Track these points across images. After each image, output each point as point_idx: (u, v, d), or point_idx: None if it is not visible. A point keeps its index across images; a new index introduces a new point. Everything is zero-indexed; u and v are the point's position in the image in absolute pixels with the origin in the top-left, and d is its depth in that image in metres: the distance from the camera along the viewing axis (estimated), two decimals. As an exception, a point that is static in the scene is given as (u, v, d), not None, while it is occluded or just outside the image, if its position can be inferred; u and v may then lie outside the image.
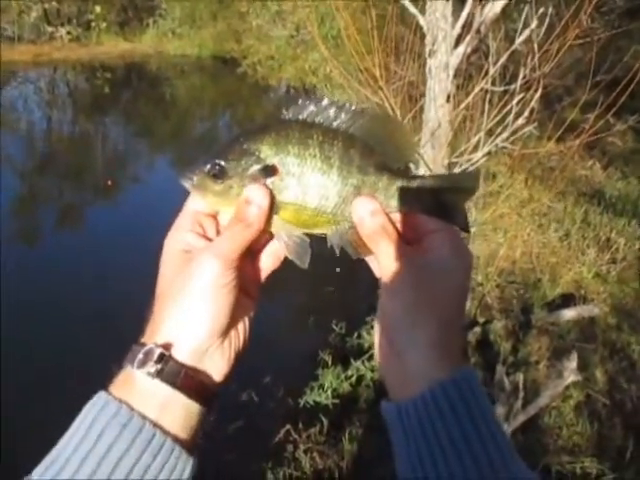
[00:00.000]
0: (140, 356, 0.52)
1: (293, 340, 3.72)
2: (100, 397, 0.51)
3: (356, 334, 3.61)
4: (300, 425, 2.92)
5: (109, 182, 6.70)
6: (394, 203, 0.58)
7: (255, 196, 0.55)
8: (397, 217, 0.58)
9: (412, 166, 0.64)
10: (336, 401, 3.09)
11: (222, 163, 0.56)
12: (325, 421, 2.94)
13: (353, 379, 3.23)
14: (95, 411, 0.50)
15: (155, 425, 0.50)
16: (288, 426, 2.92)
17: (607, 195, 5.81)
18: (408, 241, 0.57)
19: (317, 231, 0.59)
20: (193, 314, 0.54)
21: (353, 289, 4.37)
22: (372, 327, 3.62)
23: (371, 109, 0.61)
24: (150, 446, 0.49)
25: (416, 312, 0.53)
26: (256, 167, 0.56)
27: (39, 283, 4.33)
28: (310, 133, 0.57)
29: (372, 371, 3.24)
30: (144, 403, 0.51)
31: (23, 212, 6.19)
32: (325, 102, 0.57)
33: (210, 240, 0.58)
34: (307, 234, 0.59)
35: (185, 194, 0.60)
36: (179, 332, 0.54)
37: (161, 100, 12.58)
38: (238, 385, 3.05)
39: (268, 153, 0.56)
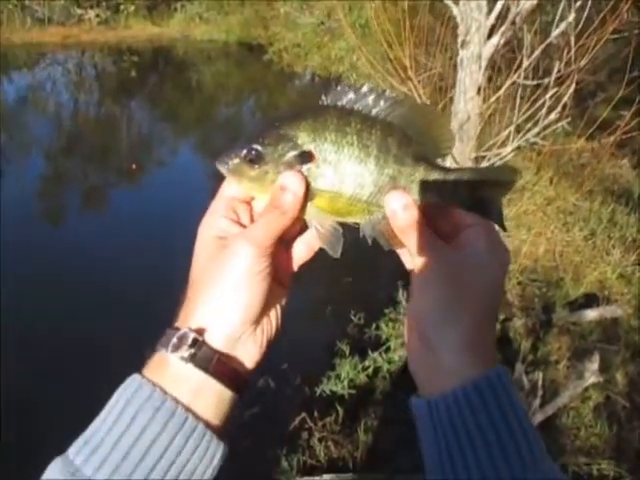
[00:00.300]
0: (174, 340, 0.52)
1: (311, 329, 3.72)
2: (134, 379, 0.51)
3: (374, 325, 3.60)
4: (316, 414, 2.93)
5: (133, 166, 6.75)
6: (430, 195, 0.57)
7: (290, 183, 0.55)
8: (432, 210, 0.57)
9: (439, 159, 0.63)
10: (352, 391, 3.09)
11: (258, 148, 0.55)
12: (341, 411, 2.94)
13: (370, 370, 3.23)
14: (129, 393, 0.50)
15: (187, 409, 0.50)
16: (304, 414, 2.93)
17: (635, 195, 5.68)
18: (443, 235, 0.56)
19: (350, 220, 0.58)
20: (227, 301, 0.53)
21: (373, 280, 4.36)
22: (390, 319, 3.61)
23: (411, 98, 0.60)
24: (182, 430, 0.49)
25: (448, 309, 0.52)
26: (292, 153, 0.55)
27: (62, 263, 4.40)
28: (348, 120, 0.56)
29: (389, 363, 3.24)
30: (177, 387, 0.51)
31: (49, 193, 6.28)
32: (364, 89, 0.56)
33: (244, 227, 0.57)
34: (340, 223, 0.58)
35: (214, 179, 0.60)
36: (213, 318, 0.54)
37: (187, 85, 12.61)
38: (255, 371, 3.07)
39: (305, 139, 0.56)
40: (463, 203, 0.57)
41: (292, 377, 3.21)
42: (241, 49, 15.53)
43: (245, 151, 0.56)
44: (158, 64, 14.76)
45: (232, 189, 0.59)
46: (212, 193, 0.60)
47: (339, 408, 2.96)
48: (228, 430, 0.55)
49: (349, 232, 0.59)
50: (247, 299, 0.54)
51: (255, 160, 0.55)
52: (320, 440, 2.82)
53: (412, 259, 0.55)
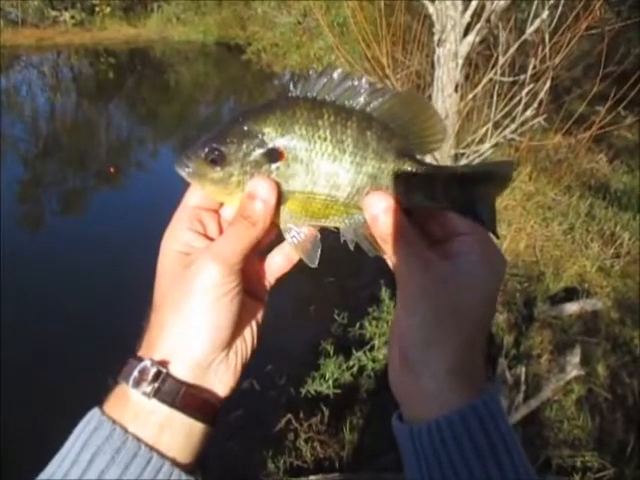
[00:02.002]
0: (135, 373, 0.47)
1: (295, 329, 3.72)
2: (93, 416, 0.47)
3: (358, 324, 3.60)
4: (301, 414, 2.92)
5: (112, 169, 6.67)
6: (416, 197, 0.51)
7: (260, 189, 0.49)
8: (419, 212, 0.51)
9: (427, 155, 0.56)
10: (337, 391, 3.08)
11: (220, 147, 0.50)
12: (326, 411, 2.94)
13: (355, 369, 3.22)
14: (87, 432, 0.46)
15: (152, 448, 0.46)
16: (289, 415, 2.92)
17: (612, 189, 5.76)
18: (432, 241, 0.51)
19: (329, 224, 0.52)
20: (192, 326, 0.49)
21: (356, 279, 4.36)
22: (374, 318, 3.61)
23: (391, 87, 0.55)
24: (145, 471, 0.45)
25: (435, 329, 0.47)
26: (259, 151, 0.50)
27: (40, 268, 4.33)
28: (320, 112, 0.50)
29: (374, 362, 3.24)
30: (140, 424, 0.47)
31: (25, 197, 6.17)
32: (337, 76, 0.50)
33: (212, 239, 0.52)
34: (318, 228, 0.53)
35: (185, 184, 0.54)
36: (178, 346, 0.49)
37: (165, 86, 12.51)
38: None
39: (272, 135, 0.50)
40: (454, 205, 0.51)
41: (277, 378, 3.19)
42: (219, 49, 15.45)
43: (206, 150, 0.50)
44: (135, 65, 14.62)
45: (196, 197, 0.53)
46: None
47: (324, 408, 2.95)
48: (200, 461, 0.51)
49: (329, 231, 0.54)
50: (215, 323, 0.49)
51: (217, 161, 0.50)
52: (306, 441, 2.81)
53: (396, 270, 0.50)
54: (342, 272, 4.21)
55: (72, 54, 14.57)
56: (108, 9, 16.36)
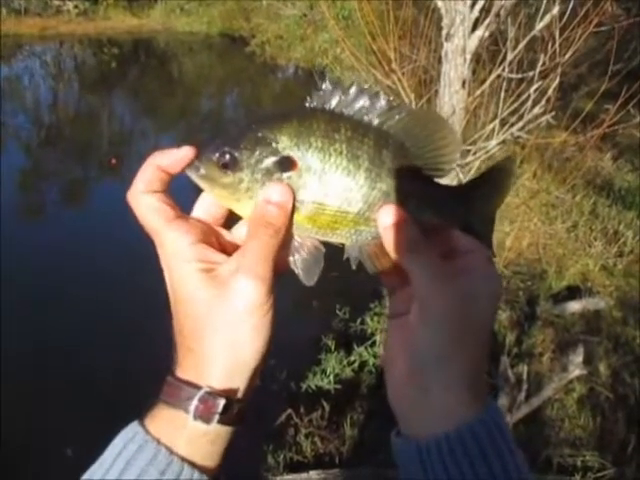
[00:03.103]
0: (196, 403, 0.47)
1: (296, 324, 3.71)
2: (136, 435, 0.47)
3: (360, 320, 3.59)
4: (302, 409, 2.92)
5: (113, 161, 6.64)
6: (428, 215, 0.51)
7: (278, 195, 0.49)
8: (429, 230, 0.51)
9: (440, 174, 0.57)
10: (338, 386, 3.08)
11: (233, 151, 0.49)
12: (327, 406, 2.94)
13: (356, 365, 3.22)
14: (130, 452, 0.46)
15: (194, 466, 0.47)
16: (290, 410, 2.92)
17: (616, 187, 5.74)
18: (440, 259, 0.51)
19: (335, 239, 0.52)
20: (244, 350, 0.49)
21: (358, 274, 4.35)
22: (375, 313, 3.60)
23: (408, 105, 0.54)
24: None
25: (454, 345, 0.47)
26: (271, 159, 0.49)
27: (40, 259, 4.32)
28: (338, 126, 0.50)
29: (375, 357, 3.23)
30: (195, 447, 0.47)
31: (25, 187, 6.16)
32: (355, 90, 0.50)
33: (223, 248, 0.51)
34: (322, 242, 0.52)
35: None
36: (234, 372, 0.49)
37: (168, 77, 12.47)
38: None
39: (287, 144, 0.49)
40: (460, 223, 0.52)
41: (278, 373, 3.19)
42: (223, 41, 15.39)
43: (218, 154, 0.50)
44: (139, 56, 14.57)
45: (203, 206, 0.53)
46: (194, 190, 0.53)
47: (325, 403, 2.95)
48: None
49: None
50: (263, 339, 0.49)
51: (229, 165, 0.49)
52: (306, 436, 2.81)
53: (413, 285, 0.49)
54: (344, 267, 4.19)
55: (75, 44, 14.52)
56: (112, -1, 16.30)
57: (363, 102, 0.50)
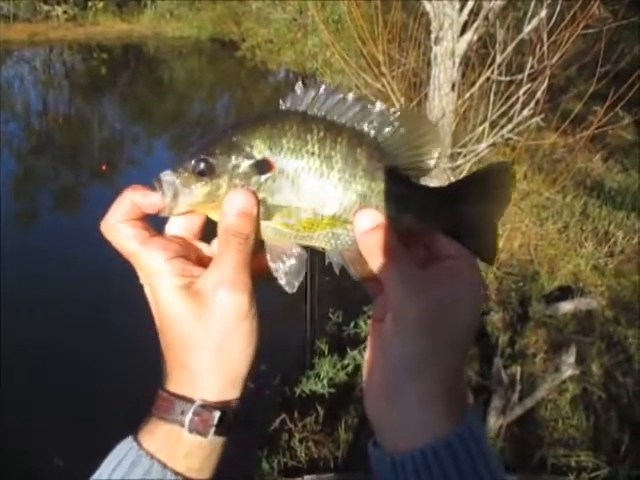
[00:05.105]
0: (190, 416, 0.47)
1: (289, 328, 3.70)
2: (130, 450, 0.47)
3: (353, 323, 3.59)
4: (296, 414, 2.90)
5: (104, 167, 6.61)
6: (406, 218, 0.50)
7: (236, 202, 0.48)
8: (407, 233, 0.50)
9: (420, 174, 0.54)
10: (332, 390, 3.07)
11: (209, 158, 0.49)
12: (321, 410, 2.92)
13: (349, 368, 3.21)
14: (124, 468, 0.46)
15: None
16: (283, 415, 2.91)
17: (606, 188, 5.78)
18: (418, 264, 0.49)
19: (314, 243, 0.51)
20: (234, 359, 0.49)
21: (350, 277, 4.35)
22: (369, 317, 3.60)
23: (384, 103, 0.53)
24: None
25: (428, 356, 0.46)
26: (247, 163, 0.49)
27: (30, 264, 4.29)
28: (310, 127, 0.49)
29: (369, 361, 3.23)
30: (192, 459, 0.48)
31: (15, 193, 6.12)
32: (326, 89, 0.49)
33: (197, 261, 0.51)
34: (305, 247, 0.51)
35: None
36: (226, 384, 0.49)
37: (158, 82, 12.44)
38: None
39: (260, 147, 0.49)
40: (445, 227, 0.50)
41: (271, 378, 3.17)
42: (213, 45, 15.38)
43: (194, 162, 0.49)
44: (129, 61, 14.53)
45: (176, 224, 0.52)
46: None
47: (319, 408, 2.94)
48: None
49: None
50: (253, 346, 0.50)
51: (206, 172, 0.48)
52: (301, 441, 2.79)
53: (386, 294, 0.48)
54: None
55: (65, 49, 14.47)
56: (101, 4, 16.27)
57: (336, 101, 0.49)
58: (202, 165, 0.49)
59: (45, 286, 4.03)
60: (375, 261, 0.48)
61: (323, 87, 0.49)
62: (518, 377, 2.87)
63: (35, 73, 12.58)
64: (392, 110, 0.50)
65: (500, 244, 4.34)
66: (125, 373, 2.92)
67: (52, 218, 5.61)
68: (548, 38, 2.31)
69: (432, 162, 0.51)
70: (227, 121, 9.51)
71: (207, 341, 0.48)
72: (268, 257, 0.51)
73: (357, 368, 3.23)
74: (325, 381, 3.11)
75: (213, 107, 11.68)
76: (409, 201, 0.50)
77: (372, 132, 0.50)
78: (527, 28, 2.34)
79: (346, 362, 3.23)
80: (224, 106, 11.74)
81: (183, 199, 0.49)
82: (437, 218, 0.51)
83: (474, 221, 0.52)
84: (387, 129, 0.50)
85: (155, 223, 0.52)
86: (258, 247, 0.51)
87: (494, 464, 0.45)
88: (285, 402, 3.04)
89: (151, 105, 10.68)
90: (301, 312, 3.79)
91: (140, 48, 15.39)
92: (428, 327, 0.46)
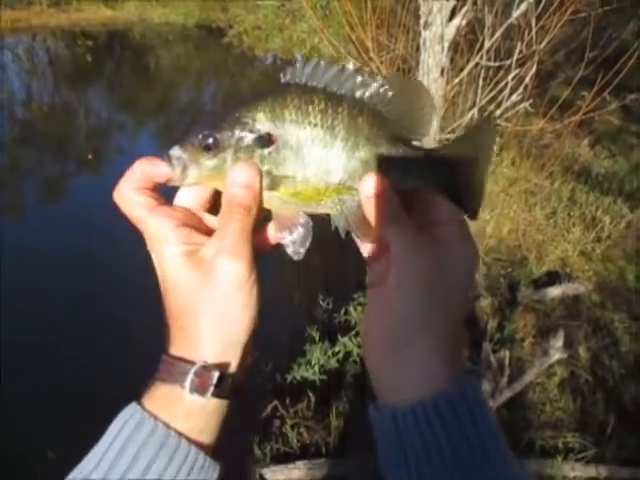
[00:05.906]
0: (192, 377, 0.49)
1: (280, 316, 3.70)
2: (134, 414, 0.49)
3: (343, 310, 3.60)
4: (287, 401, 2.92)
5: (90, 156, 6.54)
6: (408, 180, 0.52)
7: (239, 176, 0.50)
8: (410, 198, 0.52)
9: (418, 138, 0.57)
10: (323, 377, 3.09)
11: (214, 133, 0.51)
12: (312, 397, 2.94)
13: (340, 355, 3.23)
14: (128, 430, 0.48)
15: (190, 441, 0.49)
16: (275, 402, 2.92)
17: (594, 173, 5.82)
18: (418, 227, 0.52)
19: (320, 210, 0.53)
20: (234, 325, 0.51)
21: (341, 264, 4.36)
22: (359, 304, 3.61)
23: (376, 71, 0.54)
24: (185, 465, 0.49)
25: (431, 313, 0.48)
26: (250, 136, 0.51)
27: (17, 255, 4.25)
28: (311, 98, 0.51)
29: (359, 347, 3.25)
30: (192, 421, 0.50)
31: (1, 183, 6.04)
32: (325, 64, 0.51)
33: (203, 229, 0.53)
34: (310, 215, 0.53)
35: None
36: (226, 346, 0.51)
37: (145, 70, 12.30)
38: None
39: (263, 120, 0.51)
40: (444, 186, 0.52)
41: (262, 365, 3.18)
42: (200, 32, 15.22)
43: (200, 137, 0.51)
44: (114, 48, 14.34)
45: (186, 195, 0.54)
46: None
47: (310, 394, 2.95)
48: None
49: (315, 218, 0.54)
50: (251, 313, 0.52)
51: (211, 147, 0.51)
52: (293, 427, 2.81)
53: (391, 255, 0.50)
54: (327, 257, 4.20)
55: (48, 36, 14.24)
56: (84, -10, 15.99)
57: (334, 73, 0.51)
58: (208, 140, 0.51)
59: (32, 276, 3.99)
60: (380, 223, 0.50)
61: (322, 61, 0.51)
62: (507, 361, 2.90)
63: (18, 61, 12.37)
64: (388, 78, 0.52)
65: (488, 230, 4.36)
66: (124, 364, 2.91)
67: (37, 207, 5.55)
68: (537, 23, 2.30)
69: (429, 125, 0.54)
70: (214, 108, 9.43)
71: (207, 306, 0.50)
72: (275, 226, 0.53)
73: (348, 355, 3.25)
74: (316, 368, 3.13)
75: (200, 94, 11.57)
76: (410, 164, 0.52)
77: (371, 101, 0.52)
78: (516, 13, 2.33)
79: (337, 349, 3.25)
80: (211, 93, 11.63)
81: (191, 173, 0.51)
82: (437, 178, 0.53)
83: (470, 178, 0.54)
84: (385, 97, 0.52)
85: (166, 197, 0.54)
86: (262, 220, 0.53)
87: (493, 421, 0.47)
88: (277, 389, 3.05)
89: (137, 93, 10.57)
90: (292, 299, 3.80)
91: (125, 35, 15.18)
92: (429, 284, 0.48)
